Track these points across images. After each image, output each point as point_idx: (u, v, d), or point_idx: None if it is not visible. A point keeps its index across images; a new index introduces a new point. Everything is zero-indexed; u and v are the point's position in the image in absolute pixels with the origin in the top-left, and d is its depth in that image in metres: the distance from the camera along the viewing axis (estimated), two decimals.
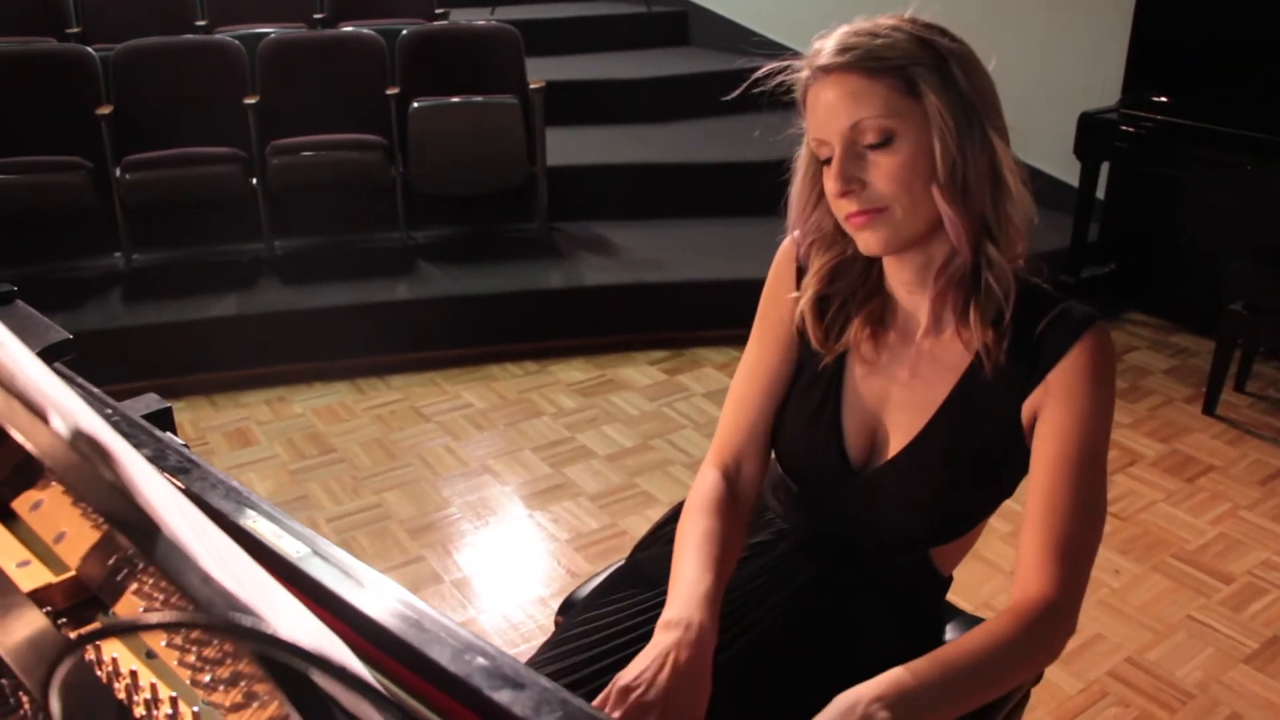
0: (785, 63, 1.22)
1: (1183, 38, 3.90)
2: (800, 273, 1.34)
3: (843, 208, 1.18)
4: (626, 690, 1.08)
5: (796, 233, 1.30)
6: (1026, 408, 1.20)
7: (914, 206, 1.15)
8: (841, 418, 1.31)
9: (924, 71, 1.12)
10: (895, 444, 1.28)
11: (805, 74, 1.19)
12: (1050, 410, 1.18)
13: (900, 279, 1.26)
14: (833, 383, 1.32)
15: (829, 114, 1.16)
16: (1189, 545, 2.86)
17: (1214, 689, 2.34)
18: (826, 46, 1.16)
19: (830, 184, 1.17)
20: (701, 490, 1.34)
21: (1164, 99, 3.88)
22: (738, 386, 1.40)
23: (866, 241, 1.19)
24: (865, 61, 1.13)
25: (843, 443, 1.31)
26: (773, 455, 1.41)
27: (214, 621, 0.41)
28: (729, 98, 1.32)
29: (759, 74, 1.24)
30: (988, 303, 1.18)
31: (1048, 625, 1.14)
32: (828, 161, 1.18)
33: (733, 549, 1.30)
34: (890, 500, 1.27)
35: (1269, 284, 3.38)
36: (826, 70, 1.15)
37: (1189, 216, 4.23)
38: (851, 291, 1.30)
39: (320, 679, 0.52)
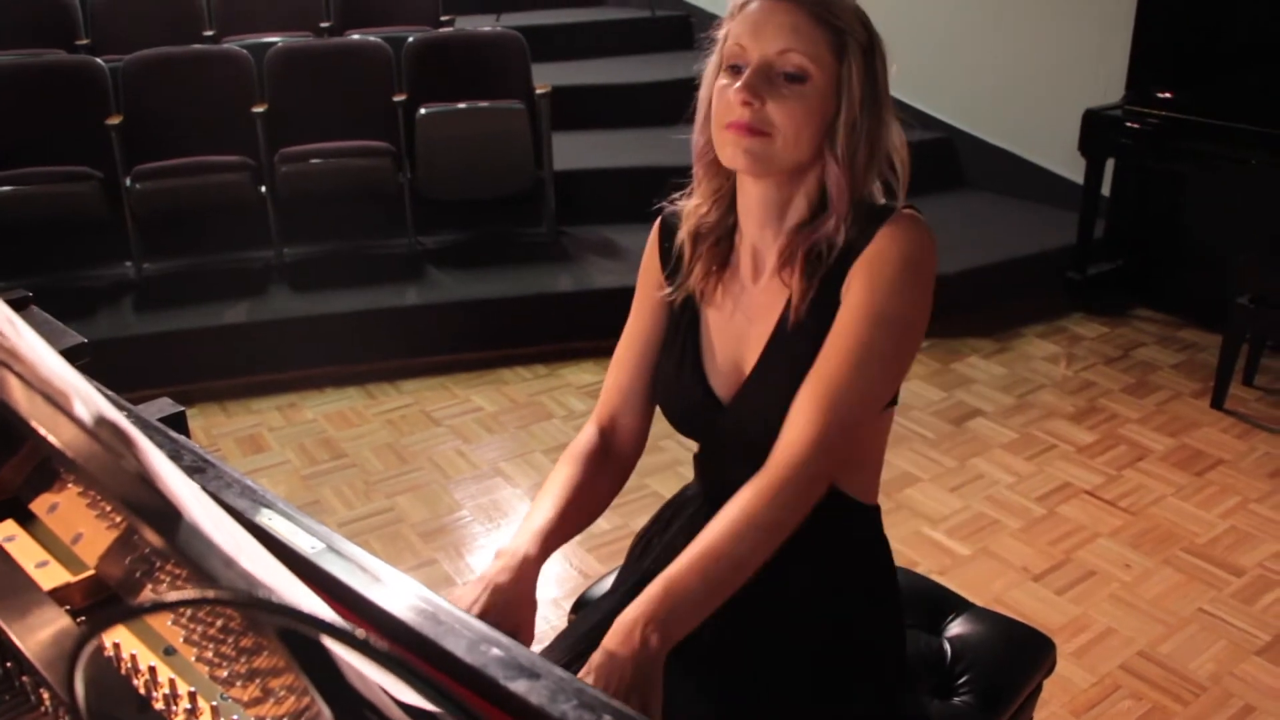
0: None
1: (1185, 33, 3.91)
2: (664, 250, 1.43)
3: (733, 114, 1.22)
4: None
5: (697, 138, 1.34)
6: (843, 295, 1.25)
7: (793, 145, 1.22)
8: (701, 356, 1.38)
9: (855, 45, 1.22)
10: (749, 368, 1.33)
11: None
12: (852, 285, 1.24)
13: (752, 214, 1.32)
14: (690, 329, 1.39)
15: (762, 31, 1.21)
16: (1199, 539, 2.86)
17: (1227, 681, 2.35)
18: None
19: (733, 92, 1.22)
20: (577, 442, 1.43)
21: (1168, 95, 3.88)
22: (617, 352, 1.48)
23: (734, 156, 1.24)
24: (817, 7, 1.21)
25: (706, 380, 1.37)
26: None
27: (238, 597, 0.42)
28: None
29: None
30: (818, 261, 1.26)
31: (803, 471, 1.18)
32: (733, 69, 1.24)
33: (594, 494, 1.39)
34: (753, 420, 1.31)
35: (1276, 277, 3.38)
36: None
37: (1195, 211, 4.23)
38: (709, 233, 1.37)
39: (341, 660, 0.54)
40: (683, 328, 1.40)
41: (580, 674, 1.09)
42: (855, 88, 1.21)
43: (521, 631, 1.22)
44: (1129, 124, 3.95)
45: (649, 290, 1.45)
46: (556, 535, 1.31)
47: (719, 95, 1.25)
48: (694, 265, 1.37)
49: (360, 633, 0.40)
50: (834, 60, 1.21)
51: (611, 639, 1.10)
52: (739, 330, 1.35)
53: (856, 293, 1.23)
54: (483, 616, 1.17)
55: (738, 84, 1.22)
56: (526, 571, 1.24)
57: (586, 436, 1.44)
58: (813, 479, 1.19)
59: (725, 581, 1.14)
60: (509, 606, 1.21)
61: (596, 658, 1.10)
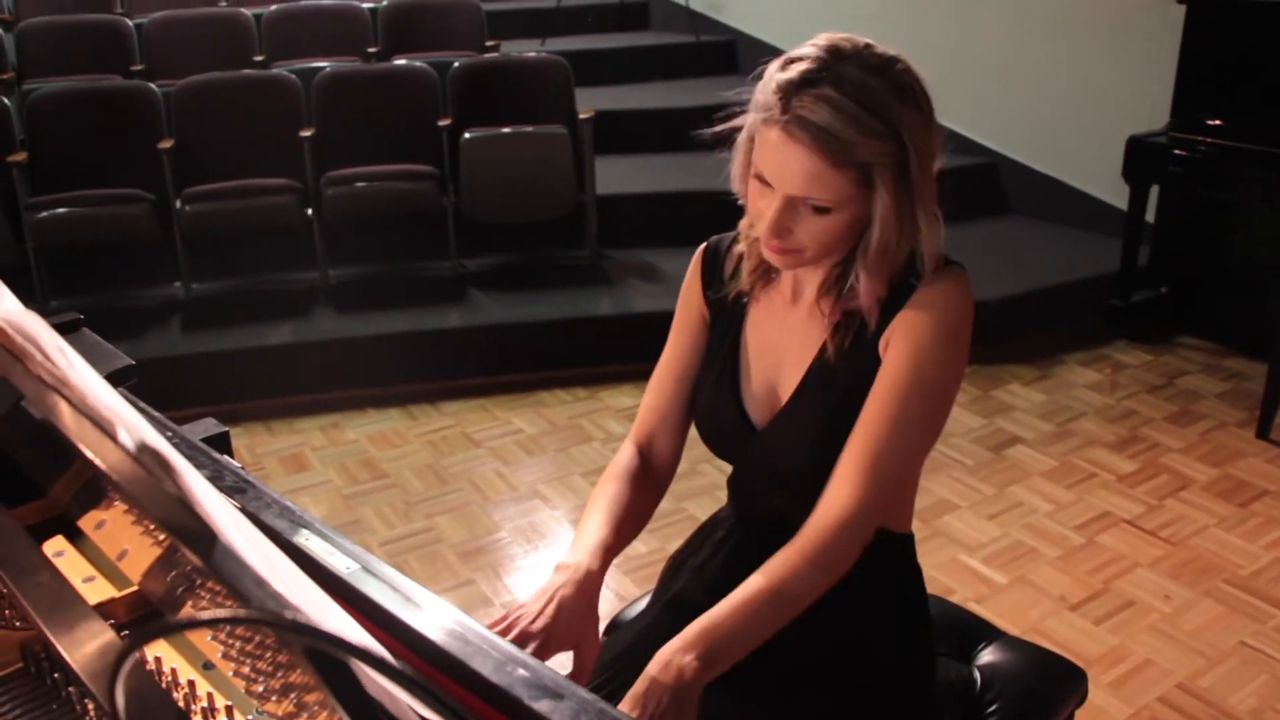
0: (741, 110, 1.26)
1: (1232, 59, 3.87)
2: (705, 274, 1.46)
3: (766, 230, 1.25)
4: (518, 620, 1.21)
5: (737, 185, 1.35)
6: (881, 347, 1.28)
7: (826, 254, 1.27)
8: (739, 378, 1.41)
9: (884, 169, 1.18)
10: (784, 396, 1.37)
11: (769, 114, 1.19)
12: (891, 345, 1.27)
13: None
14: (731, 349, 1.42)
15: (783, 173, 1.20)
16: (1242, 570, 2.82)
17: (1269, 717, 2.31)
18: (802, 104, 1.16)
19: (763, 228, 1.25)
20: (617, 461, 1.47)
21: (1217, 121, 3.85)
22: (655, 373, 1.52)
23: (775, 262, 1.30)
24: (837, 153, 1.16)
25: (742, 402, 1.40)
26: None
27: (264, 616, 0.45)
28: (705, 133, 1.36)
29: (725, 119, 1.30)
30: (855, 313, 1.30)
31: (845, 534, 1.22)
32: (762, 177, 1.23)
33: (638, 510, 1.43)
34: (784, 449, 1.35)
35: None
36: (793, 136, 1.17)
37: (1241, 238, 4.18)
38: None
39: (366, 678, 0.56)
40: (725, 346, 1.43)
41: (624, 699, 1.12)
42: (887, 212, 1.19)
43: (585, 646, 1.24)
44: (1176, 151, 3.92)
45: (688, 314, 1.49)
46: (612, 549, 1.34)
47: (754, 198, 1.27)
48: (746, 265, 1.40)
49: (379, 653, 0.43)
50: (861, 190, 1.19)
51: (653, 666, 1.13)
52: (777, 354, 1.38)
53: (897, 356, 1.25)
54: (549, 631, 1.20)
55: (767, 217, 1.23)
56: (590, 585, 1.27)
57: (625, 455, 1.47)
58: (854, 541, 1.23)
59: (763, 628, 1.18)
60: (574, 621, 1.23)
61: (639, 683, 1.13)
